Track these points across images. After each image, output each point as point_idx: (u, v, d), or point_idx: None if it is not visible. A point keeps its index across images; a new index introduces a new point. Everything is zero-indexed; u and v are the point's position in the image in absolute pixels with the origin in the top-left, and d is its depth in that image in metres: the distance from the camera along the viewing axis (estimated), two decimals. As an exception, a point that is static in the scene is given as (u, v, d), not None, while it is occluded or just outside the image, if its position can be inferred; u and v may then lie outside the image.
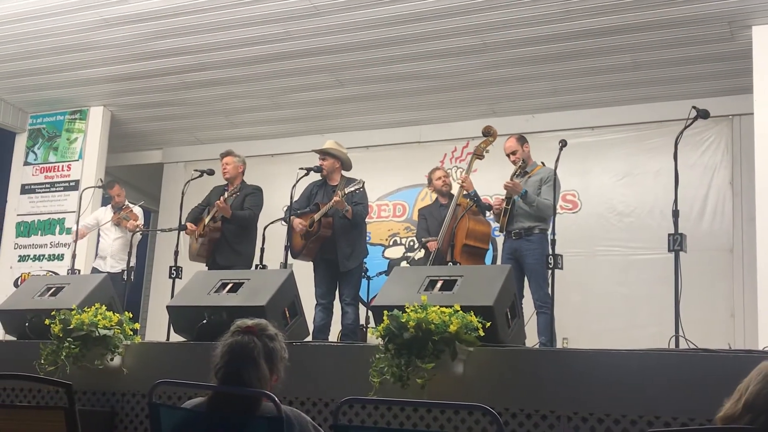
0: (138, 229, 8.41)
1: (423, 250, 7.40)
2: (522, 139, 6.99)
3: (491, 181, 7.74)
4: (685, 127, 5.61)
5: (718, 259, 8.33)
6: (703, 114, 5.66)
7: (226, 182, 7.53)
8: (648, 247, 8.41)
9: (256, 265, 6.71)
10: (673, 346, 4.94)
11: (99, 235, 9.15)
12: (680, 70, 8.33)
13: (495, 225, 7.36)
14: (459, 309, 4.28)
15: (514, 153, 6.94)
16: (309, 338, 5.89)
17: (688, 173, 7.66)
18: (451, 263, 6.72)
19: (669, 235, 5.33)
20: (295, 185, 6.81)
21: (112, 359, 5.21)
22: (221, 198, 7.18)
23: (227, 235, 7.25)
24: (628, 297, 8.50)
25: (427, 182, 7.87)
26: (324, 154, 7.18)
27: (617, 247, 8.83)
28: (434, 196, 7.76)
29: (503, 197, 6.90)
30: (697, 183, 8.53)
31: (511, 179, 6.76)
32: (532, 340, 6.19)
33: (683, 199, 5.69)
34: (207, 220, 7.27)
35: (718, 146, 8.64)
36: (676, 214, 5.41)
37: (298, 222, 6.90)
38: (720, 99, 8.32)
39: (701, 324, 6.80)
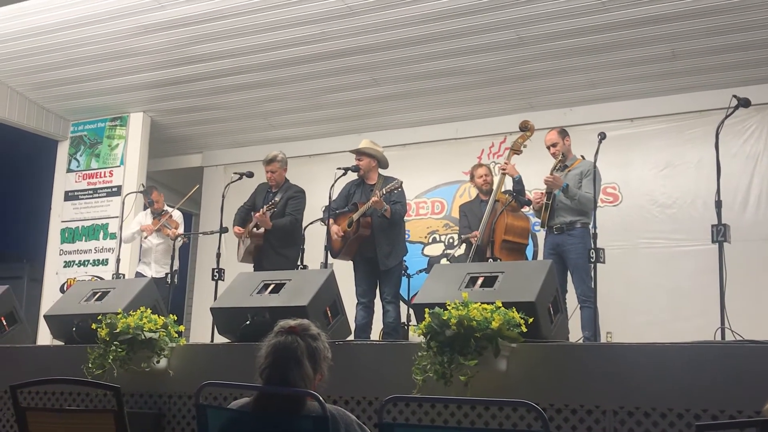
0: (179, 237, 8.47)
1: (464, 245, 7.37)
2: (563, 133, 6.96)
3: (530, 175, 7.67)
4: (726, 116, 5.52)
5: (763, 249, 8.18)
6: (744, 102, 5.56)
7: None
8: (691, 238, 8.31)
9: (297, 266, 6.73)
10: (719, 338, 4.88)
11: (141, 240, 9.26)
12: (720, 58, 8.21)
13: (536, 220, 7.31)
14: (501, 305, 4.26)
15: (554, 145, 6.89)
16: (351, 337, 5.90)
17: (730, 163, 7.54)
18: (491, 259, 6.69)
19: (712, 226, 5.26)
20: (333, 185, 6.85)
21: (158, 362, 5.26)
22: (260, 212, 7.12)
23: (272, 241, 7.25)
24: (671, 289, 8.40)
25: (469, 177, 7.83)
26: (360, 153, 7.19)
27: (660, 239, 8.72)
28: (474, 192, 7.72)
29: (543, 192, 6.86)
30: (740, 172, 8.39)
31: (551, 174, 6.72)
32: (575, 335, 6.16)
33: (726, 189, 5.60)
34: (251, 227, 7.30)
35: (760, 134, 8.50)
36: (719, 204, 5.32)
37: (335, 230, 6.93)
38: (761, 87, 8.18)
39: (747, 315, 6.67)
